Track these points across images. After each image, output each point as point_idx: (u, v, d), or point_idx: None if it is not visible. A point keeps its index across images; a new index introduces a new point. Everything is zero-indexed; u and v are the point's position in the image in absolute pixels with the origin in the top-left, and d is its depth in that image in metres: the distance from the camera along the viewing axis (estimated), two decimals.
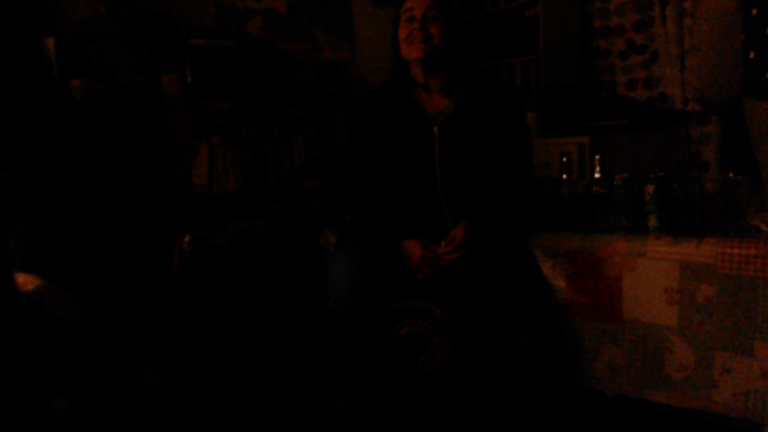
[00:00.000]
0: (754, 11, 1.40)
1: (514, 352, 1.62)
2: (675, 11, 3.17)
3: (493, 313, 1.69)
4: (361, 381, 2.08)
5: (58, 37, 2.55)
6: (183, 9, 3.04)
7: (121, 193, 2.73)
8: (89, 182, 2.66)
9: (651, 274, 1.64)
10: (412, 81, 1.89)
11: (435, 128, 1.82)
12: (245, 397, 2.14)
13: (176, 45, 2.91)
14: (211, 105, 3.04)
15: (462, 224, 1.75)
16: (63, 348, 1.66)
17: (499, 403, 1.68)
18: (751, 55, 1.41)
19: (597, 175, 1.83)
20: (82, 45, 2.76)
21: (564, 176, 1.89)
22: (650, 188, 1.72)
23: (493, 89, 1.89)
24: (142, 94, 2.82)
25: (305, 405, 2.12)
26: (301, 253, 2.61)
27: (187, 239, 2.25)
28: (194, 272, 2.27)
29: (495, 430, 1.71)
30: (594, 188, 1.81)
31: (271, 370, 2.22)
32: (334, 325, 2.06)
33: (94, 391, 1.69)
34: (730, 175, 1.73)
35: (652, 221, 1.73)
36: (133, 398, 1.99)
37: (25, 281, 1.87)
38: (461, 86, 1.86)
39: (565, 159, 1.89)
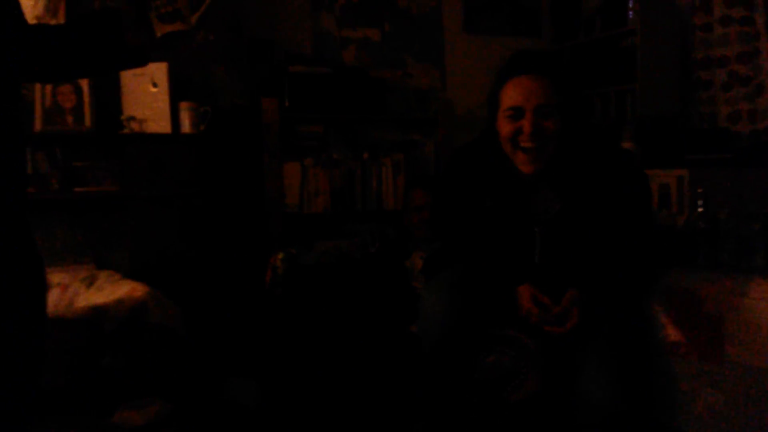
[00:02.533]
0: None
1: (593, 388, 1.57)
2: None
3: (583, 349, 1.64)
4: (442, 406, 2.08)
5: (171, 62, 2.74)
6: (283, 36, 3.20)
7: (220, 209, 2.88)
8: (191, 197, 2.82)
9: (755, 315, 1.56)
10: (509, 162, 1.69)
11: (536, 230, 1.71)
12: (327, 412, 2.17)
13: (276, 71, 3.05)
14: (305, 128, 3.16)
15: (574, 297, 1.60)
16: (165, 353, 1.76)
17: None
18: None
19: (700, 210, 1.76)
20: (191, 69, 2.95)
21: (663, 210, 1.83)
22: (756, 225, 1.65)
23: (608, 167, 1.68)
24: (243, 116, 2.97)
25: (385, 427, 2.13)
26: (386, 276, 2.64)
27: (280, 256, 2.33)
28: (285, 288, 2.34)
29: None
30: (698, 223, 1.74)
31: (353, 388, 2.25)
32: (416, 349, 2.06)
33: (190, 395, 1.78)
34: None
35: (758, 259, 1.65)
36: (222, 404, 2.07)
37: (133, 288, 2.00)
38: (571, 177, 1.67)
39: (664, 192, 1.83)
